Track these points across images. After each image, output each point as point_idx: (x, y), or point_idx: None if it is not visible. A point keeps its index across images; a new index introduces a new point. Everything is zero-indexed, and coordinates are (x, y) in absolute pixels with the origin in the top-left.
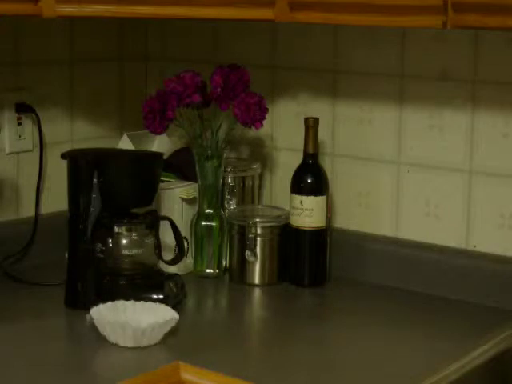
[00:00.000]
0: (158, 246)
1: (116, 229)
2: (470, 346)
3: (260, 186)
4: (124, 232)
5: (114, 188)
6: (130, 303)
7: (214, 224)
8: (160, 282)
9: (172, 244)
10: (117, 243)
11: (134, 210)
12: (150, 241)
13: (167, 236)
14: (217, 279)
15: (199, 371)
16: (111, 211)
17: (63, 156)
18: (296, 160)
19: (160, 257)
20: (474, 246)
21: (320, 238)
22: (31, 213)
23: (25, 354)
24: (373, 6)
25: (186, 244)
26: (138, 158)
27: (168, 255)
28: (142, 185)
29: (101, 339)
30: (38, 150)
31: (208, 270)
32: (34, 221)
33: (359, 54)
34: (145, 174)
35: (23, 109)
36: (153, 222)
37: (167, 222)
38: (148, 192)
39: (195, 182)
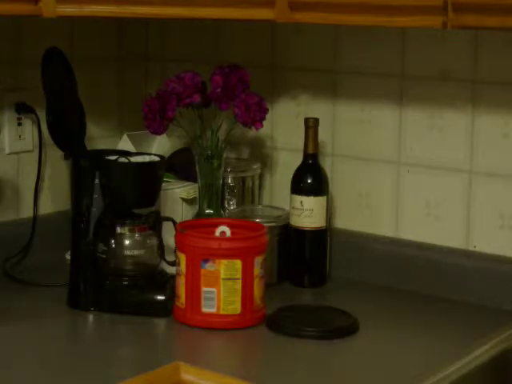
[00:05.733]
0: (161, 247)
1: (118, 229)
2: (470, 346)
3: (260, 186)
4: (126, 233)
5: (116, 189)
6: None
7: None
8: (162, 282)
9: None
10: (119, 244)
11: (137, 211)
12: (153, 241)
13: (170, 237)
14: None
15: (199, 371)
16: (114, 212)
17: (66, 156)
18: (296, 160)
19: (163, 257)
20: (474, 246)
21: (320, 238)
22: (31, 213)
23: (26, 354)
24: (373, 6)
25: None
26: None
27: (170, 256)
28: (144, 186)
29: (102, 339)
30: (37, 150)
31: None
32: (33, 221)
33: (359, 54)
34: (147, 174)
35: (23, 109)
36: (155, 222)
37: (169, 223)
38: (151, 193)
39: (195, 182)
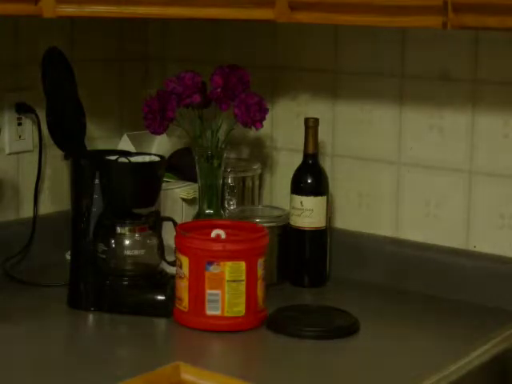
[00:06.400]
0: (161, 247)
1: (118, 229)
2: (470, 346)
3: (260, 186)
4: (126, 233)
5: (116, 189)
6: None
7: None
8: (163, 282)
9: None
10: (119, 244)
11: (137, 211)
12: (153, 241)
13: (170, 237)
14: None
15: (199, 371)
16: (114, 212)
17: (66, 157)
18: (296, 160)
19: (163, 257)
20: (474, 246)
21: (320, 238)
22: (31, 213)
23: (26, 355)
24: (373, 6)
25: None
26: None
27: (170, 256)
28: (144, 186)
29: (102, 339)
30: (37, 150)
31: None
32: (33, 221)
33: (359, 53)
34: (147, 174)
35: (23, 109)
36: (155, 222)
37: (170, 223)
38: (151, 193)
39: (195, 182)
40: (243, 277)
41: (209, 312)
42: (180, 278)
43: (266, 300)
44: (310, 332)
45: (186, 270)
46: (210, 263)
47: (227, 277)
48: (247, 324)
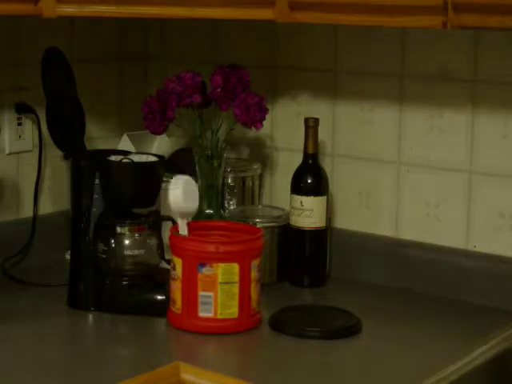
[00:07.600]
0: (161, 247)
1: (118, 229)
2: (470, 346)
3: (260, 186)
4: (126, 232)
5: (116, 189)
6: None
7: None
8: (162, 282)
9: None
10: (119, 244)
11: (137, 211)
12: (153, 241)
13: None
14: None
15: (199, 371)
16: (114, 212)
17: (66, 156)
18: (296, 160)
19: (162, 257)
20: (474, 246)
21: (320, 238)
22: (31, 213)
23: (26, 354)
24: (373, 6)
25: None
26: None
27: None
28: (144, 185)
29: (102, 339)
30: (37, 150)
31: None
32: (33, 221)
33: (359, 53)
34: (147, 174)
35: (23, 109)
36: (155, 222)
37: (170, 223)
38: (150, 193)
39: (195, 182)
40: (236, 279)
41: (201, 314)
42: (173, 279)
43: (260, 303)
44: (312, 332)
45: (179, 271)
46: (203, 265)
47: (220, 279)
48: (240, 326)
